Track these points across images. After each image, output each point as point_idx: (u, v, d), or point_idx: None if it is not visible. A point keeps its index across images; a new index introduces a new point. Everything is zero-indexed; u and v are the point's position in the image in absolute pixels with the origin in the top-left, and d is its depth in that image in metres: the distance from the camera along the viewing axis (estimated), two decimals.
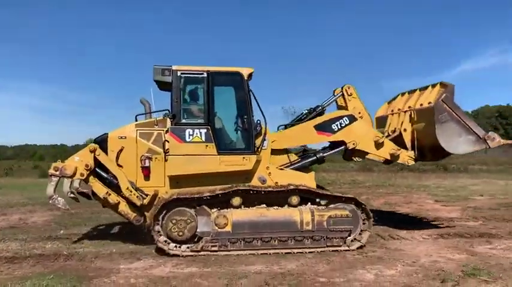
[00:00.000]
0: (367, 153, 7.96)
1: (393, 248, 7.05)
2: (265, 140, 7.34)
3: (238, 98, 7.37)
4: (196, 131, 6.88)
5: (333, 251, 6.81)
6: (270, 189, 6.96)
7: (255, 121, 7.19)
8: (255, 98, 7.18)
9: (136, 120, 7.19)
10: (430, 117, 7.44)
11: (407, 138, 8.03)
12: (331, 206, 7.12)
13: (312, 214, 6.82)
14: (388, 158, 7.91)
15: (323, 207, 7.08)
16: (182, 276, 5.63)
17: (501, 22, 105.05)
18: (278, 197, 7.01)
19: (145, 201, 6.74)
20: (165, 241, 6.66)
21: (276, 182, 7.30)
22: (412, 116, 7.99)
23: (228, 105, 7.53)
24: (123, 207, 6.90)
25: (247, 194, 6.89)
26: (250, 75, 7.27)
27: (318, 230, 6.78)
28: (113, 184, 6.82)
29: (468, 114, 8.08)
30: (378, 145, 7.88)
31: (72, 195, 7.10)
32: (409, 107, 8.15)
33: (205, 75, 7.05)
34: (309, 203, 7.10)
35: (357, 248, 6.92)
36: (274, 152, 7.71)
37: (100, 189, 6.79)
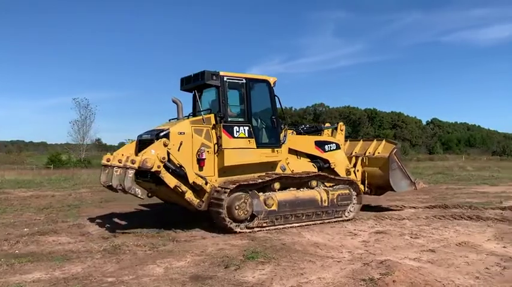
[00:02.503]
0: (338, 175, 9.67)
1: (183, 240, 7.28)
2: (285, 136, 8.87)
3: (267, 101, 8.67)
4: (241, 128, 8.16)
5: (335, 222, 8.85)
6: (305, 175, 8.76)
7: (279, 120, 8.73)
8: (279, 101, 8.73)
9: (188, 118, 8.44)
10: (384, 164, 10.00)
11: (358, 176, 10.29)
12: (336, 186, 9.12)
13: (327, 193, 8.74)
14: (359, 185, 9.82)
15: (332, 187, 9.03)
16: None
17: (284, 35, 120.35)
18: (303, 181, 8.71)
19: (208, 187, 7.73)
20: (235, 224, 7.70)
21: (292, 170, 9.00)
22: (364, 161, 10.46)
23: (259, 106, 8.80)
24: (189, 195, 7.71)
25: (287, 179, 8.46)
26: (274, 83, 8.75)
27: (331, 206, 8.76)
28: (180, 175, 7.52)
29: None
30: (347, 172, 9.92)
31: (120, 187, 7.28)
32: (356, 152, 10.78)
33: (244, 81, 8.37)
34: (322, 185, 8.98)
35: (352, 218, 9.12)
36: (288, 151, 9.14)
37: (171, 179, 7.46)
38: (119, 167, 7.31)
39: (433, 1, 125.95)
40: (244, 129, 8.15)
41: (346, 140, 11.36)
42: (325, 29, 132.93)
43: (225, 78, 8.14)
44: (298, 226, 8.31)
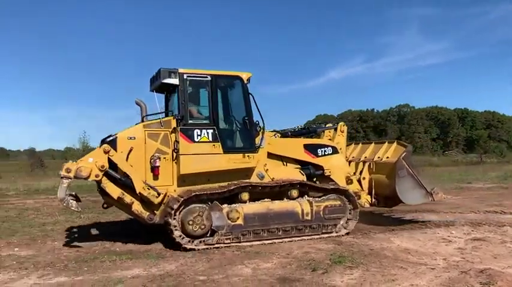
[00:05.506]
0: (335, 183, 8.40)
1: (269, 243, 7.33)
2: (263, 139, 7.73)
3: (239, 100, 7.73)
4: (204, 131, 7.19)
5: (327, 237, 7.65)
6: (278, 183, 7.58)
7: (254, 121, 7.59)
8: (254, 100, 7.61)
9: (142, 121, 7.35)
10: (391, 171, 8.36)
11: (365, 185, 8.87)
12: (325, 197, 7.83)
13: (310, 205, 7.58)
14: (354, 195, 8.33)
15: (318, 198, 7.80)
16: None
17: (365, 33, 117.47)
18: (281, 190, 7.65)
19: (159, 199, 6.90)
20: (183, 238, 6.87)
21: (273, 178, 7.81)
22: (371, 167, 8.93)
23: (229, 106, 8.01)
24: (137, 206, 6.98)
25: (256, 189, 7.40)
26: (248, 79, 7.66)
27: (315, 219, 7.57)
28: (126, 184, 6.83)
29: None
30: (348, 181, 8.56)
31: (71, 197, 6.83)
32: (365, 157, 9.22)
33: (209, 78, 7.39)
34: (306, 196, 7.82)
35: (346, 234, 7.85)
36: (270, 155, 8.03)
37: (114, 190, 6.83)
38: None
39: None
40: (207, 133, 7.18)
41: (358, 143, 10.17)
42: (409, 27, 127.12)
43: (185, 76, 7.25)
44: (272, 243, 7.28)
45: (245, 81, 7.61)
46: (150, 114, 7.51)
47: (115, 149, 6.86)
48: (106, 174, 6.78)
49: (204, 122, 7.37)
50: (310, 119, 57.41)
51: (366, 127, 72.02)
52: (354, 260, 5.97)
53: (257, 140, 7.63)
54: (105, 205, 7.75)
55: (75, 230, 9.20)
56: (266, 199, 7.53)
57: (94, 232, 8.89)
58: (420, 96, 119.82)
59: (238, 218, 7.10)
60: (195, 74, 7.37)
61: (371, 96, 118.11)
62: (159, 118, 7.29)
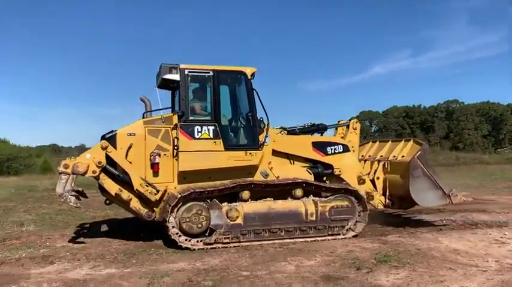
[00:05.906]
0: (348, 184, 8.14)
1: (311, 240, 7.28)
2: (267, 136, 7.52)
3: (242, 96, 7.60)
4: (205, 128, 7.05)
5: (332, 239, 7.34)
6: (283, 182, 7.34)
7: (258, 118, 7.42)
8: (258, 96, 7.41)
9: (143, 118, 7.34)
10: (405, 171, 8.02)
11: (379, 185, 8.59)
12: (331, 197, 7.54)
13: (315, 205, 7.29)
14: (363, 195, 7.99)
15: (325, 198, 7.52)
16: (100, 278, 5.38)
17: (409, 27, 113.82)
18: (284, 190, 7.37)
19: (158, 196, 6.84)
20: (180, 236, 6.78)
21: (278, 177, 7.60)
22: (386, 166, 8.62)
23: (232, 103, 7.87)
24: (135, 203, 6.97)
25: (257, 188, 7.18)
26: (253, 74, 7.51)
27: (320, 220, 7.27)
28: (124, 181, 6.86)
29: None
30: (360, 181, 8.24)
31: (74, 193, 6.85)
32: (381, 156, 8.92)
33: (211, 73, 7.24)
34: (311, 195, 7.51)
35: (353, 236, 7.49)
36: (275, 153, 7.86)
37: (112, 186, 6.87)
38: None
39: None
40: (208, 129, 7.03)
41: (375, 141, 9.83)
42: (457, 19, 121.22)
43: (186, 72, 7.12)
44: (280, 243, 7.07)
45: (249, 77, 7.44)
46: (154, 110, 7.51)
47: (114, 146, 6.87)
48: (105, 170, 6.83)
49: (206, 118, 7.23)
50: (353, 116, 56.48)
51: (412, 124, 69.73)
52: (400, 260, 5.84)
53: (261, 138, 7.40)
54: (107, 202, 7.68)
55: (123, 223, 9.56)
56: (269, 198, 7.31)
57: (141, 226, 9.15)
58: (470, 91, 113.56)
59: (237, 217, 6.93)
60: (196, 69, 7.24)
61: (417, 92, 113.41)
62: (161, 115, 7.24)
